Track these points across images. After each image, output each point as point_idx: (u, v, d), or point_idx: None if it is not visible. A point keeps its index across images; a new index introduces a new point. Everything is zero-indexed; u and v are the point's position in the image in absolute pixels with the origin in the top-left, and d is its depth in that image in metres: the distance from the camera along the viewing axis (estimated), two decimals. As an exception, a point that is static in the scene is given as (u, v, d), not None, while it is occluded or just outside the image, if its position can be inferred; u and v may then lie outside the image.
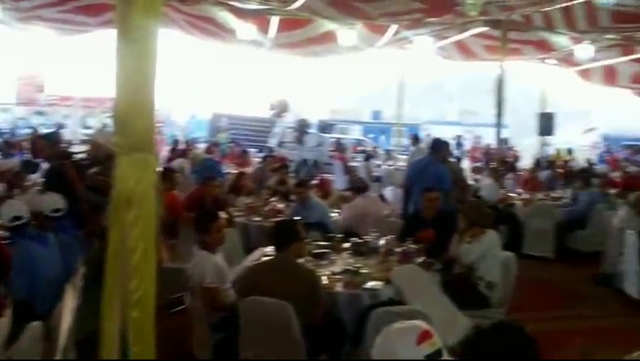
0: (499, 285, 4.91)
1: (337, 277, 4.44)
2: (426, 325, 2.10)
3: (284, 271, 3.92)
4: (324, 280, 4.32)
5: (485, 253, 4.95)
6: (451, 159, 9.06)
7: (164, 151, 15.05)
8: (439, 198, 5.79)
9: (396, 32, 12.20)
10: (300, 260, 4.22)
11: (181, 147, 15.71)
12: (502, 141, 18.16)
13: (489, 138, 19.10)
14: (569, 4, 10.49)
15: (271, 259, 4.26)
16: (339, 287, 4.32)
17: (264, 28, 11.24)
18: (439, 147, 7.67)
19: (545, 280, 7.55)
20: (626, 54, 14.00)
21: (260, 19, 11.03)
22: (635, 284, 6.40)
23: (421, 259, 4.82)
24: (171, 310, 5.05)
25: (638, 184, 10.45)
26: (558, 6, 10.72)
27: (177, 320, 4.88)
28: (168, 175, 6.92)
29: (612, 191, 10.12)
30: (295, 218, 6.10)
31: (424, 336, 2.02)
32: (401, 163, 13.86)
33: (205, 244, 4.31)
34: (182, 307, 4.81)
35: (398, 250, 4.97)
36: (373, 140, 24.13)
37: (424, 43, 12.44)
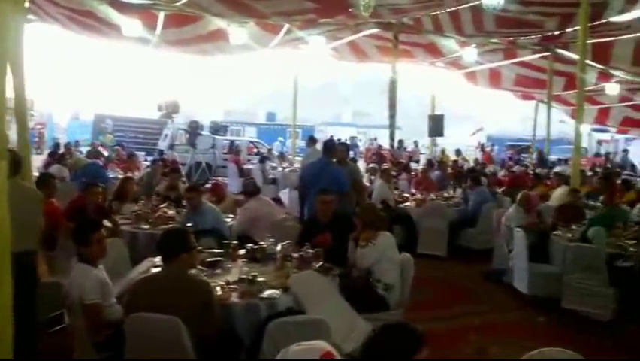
0: (396, 286, 4.84)
1: (232, 286, 4.14)
2: (327, 345, 1.89)
3: (173, 283, 3.57)
4: (218, 290, 4.01)
5: (380, 255, 4.87)
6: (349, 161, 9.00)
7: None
8: (334, 200, 5.62)
9: (289, 32, 12.04)
10: (191, 271, 3.87)
11: (62, 150, 14.62)
12: (400, 143, 18.66)
13: (384, 140, 19.52)
14: (457, 8, 10.87)
15: (159, 272, 3.89)
16: (234, 298, 4.02)
17: (150, 24, 10.63)
18: (331, 148, 7.54)
19: (440, 279, 7.68)
20: (508, 58, 14.82)
21: (146, 14, 10.41)
22: (523, 280, 6.63)
23: (318, 264, 4.63)
24: (51, 328, 4.62)
25: (524, 182, 11.04)
26: (446, 10, 11.08)
27: (58, 338, 4.52)
28: (45, 181, 6.38)
29: (499, 189, 10.60)
30: (186, 225, 5.75)
31: (326, 357, 1.82)
32: (297, 165, 13.74)
33: (85, 257, 3.87)
34: (62, 325, 4.43)
35: (295, 255, 4.75)
36: (269, 141, 23.95)
37: (317, 44, 12.37)
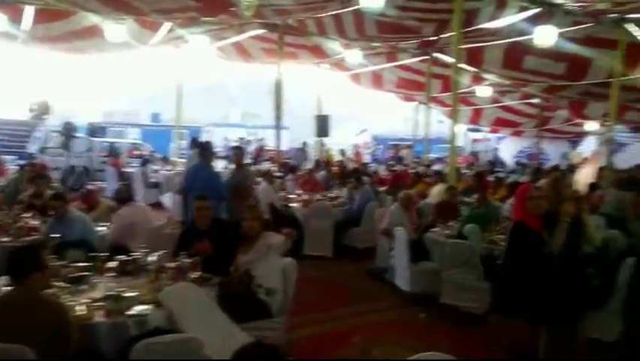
0: (279, 291, 4.69)
1: (97, 304, 3.79)
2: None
3: (22, 307, 3.19)
4: (82, 309, 3.66)
5: (262, 258, 4.70)
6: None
7: None
8: (210, 206, 5.36)
9: (172, 30, 11.58)
10: (45, 292, 3.48)
11: None
12: (304, 144, 18.57)
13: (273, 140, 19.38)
14: (340, 11, 10.98)
15: (6, 294, 3.46)
16: (99, 316, 3.68)
17: (16, 18, 9.77)
18: (208, 151, 7.26)
19: (325, 280, 7.68)
20: (390, 61, 15.26)
21: (11, 8, 9.56)
22: (405, 278, 6.76)
23: (196, 274, 4.38)
24: None
25: (405, 181, 11.36)
26: (330, 13, 11.16)
27: None
28: None
29: (382, 188, 10.82)
30: (51, 236, 5.27)
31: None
32: (180, 168, 13.24)
33: None
34: None
35: (171, 266, 4.45)
36: (155, 144, 22.96)
37: (200, 43, 11.99)
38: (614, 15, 10.23)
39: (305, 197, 9.82)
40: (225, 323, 3.91)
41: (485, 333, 5.60)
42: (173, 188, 10.70)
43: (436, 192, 9.41)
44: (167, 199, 10.87)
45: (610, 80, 11.86)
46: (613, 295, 5.40)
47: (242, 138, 23.46)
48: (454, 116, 9.82)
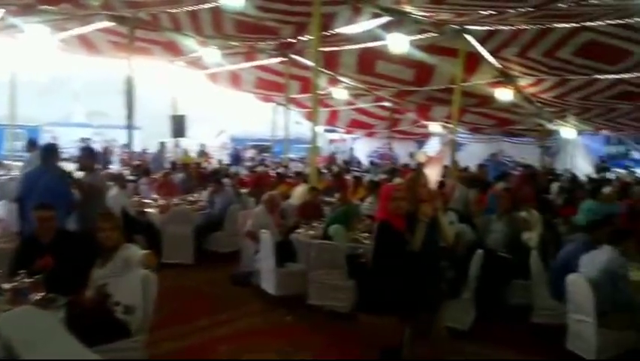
0: (138, 307, 4.28)
1: None
2: None
3: None
4: None
5: (118, 272, 4.25)
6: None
7: None
8: (54, 216, 4.77)
9: (3, 18, 10.40)
10: None
11: None
12: (162, 145, 17.55)
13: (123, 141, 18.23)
14: (196, 8, 10.58)
15: None
16: None
17: None
18: (50, 153, 6.50)
19: (187, 289, 7.29)
20: (249, 61, 15.09)
21: None
22: (271, 281, 6.64)
23: (39, 296, 3.84)
24: None
25: (267, 182, 11.25)
26: (185, 9, 10.71)
27: None
28: None
29: (244, 191, 10.60)
30: None
31: None
32: (16, 172, 11.85)
33: None
34: None
35: (7, 286, 3.86)
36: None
37: (38, 34, 10.86)
38: (455, 26, 10.98)
39: (162, 202, 9.30)
40: (76, 348, 3.46)
41: (353, 331, 5.66)
42: (7, 195, 9.51)
43: (299, 193, 9.41)
44: (1, 208, 9.66)
45: (452, 85, 12.75)
46: (465, 286, 5.73)
47: (86, 139, 21.55)
48: (314, 117, 9.88)
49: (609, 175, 17.01)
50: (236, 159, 21.33)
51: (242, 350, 5.36)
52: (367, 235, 6.84)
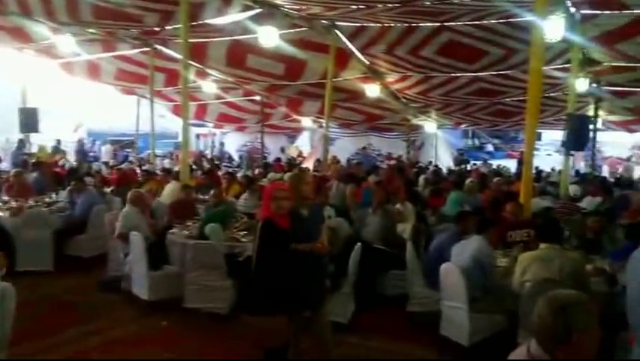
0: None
1: None
2: None
3: None
4: None
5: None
6: None
7: None
8: None
9: None
10: None
11: None
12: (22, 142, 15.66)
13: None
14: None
15: None
16: None
17: None
18: None
19: (48, 298, 6.67)
20: (108, 50, 14.13)
21: None
22: (143, 285, 6.25)
23: None
24: None
25: (133, 180, 10.62)
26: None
27: None
28: None
29: (108, 189, 9.93)
30: None
31: None
32: None
33: None
34: None
35: None
36: None
37: None
38: (325, 21, 11.11)
39: (14, 204, 8.39)
40: None
41: (235, 333, 5.49)
42: None
43: (169, 191, 8.98)
44: None
45: (323, 80, 12.94)
46: (345, 279, 5.79)
47: None
48: (183, 111, 9.48)
49: (467, 167, 18.32)
50: (83, 154, 19.98)
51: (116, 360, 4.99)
52: (245, 232, 6.69)
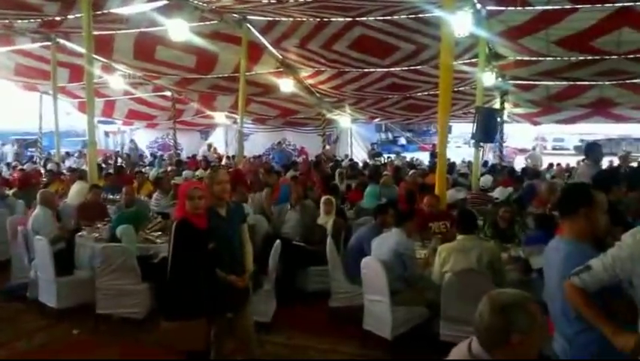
0: None
1: None
2: None
3: None
4: None
5: None
6: None
7: None
8: None
9: None
10: None
11: None
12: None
13: None
14: None
15: None
16: None
17: None
18: None
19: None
20: (5, 45, 13.19)
21: None
22: (51, 292, 5.85)
23: None
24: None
25: (37, 181, 9.96)
26: None
27: None
28: None
29: (10, 191, 9.24)
30: None
31: None
32: None
33: None
34: None
35: None
36: None
37: None
38: (236, 15, 10.91)
39: None
40: None
41: (153, 338, 5.25)
42: None
43: (76, 191, 8.42)
44: None
45: (236, 74, 12.72)
46: (266, 278, 5.69)
47: None
48: (89, 109, 8.98)
49: (382, 160, 18.67)
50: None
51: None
52: (160, 233, 6.43)
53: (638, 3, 8.62)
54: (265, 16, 10.81)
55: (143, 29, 11.45)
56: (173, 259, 4.05)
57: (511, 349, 1.95)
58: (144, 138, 22.10)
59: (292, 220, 7.28)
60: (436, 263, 4.90)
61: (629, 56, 10.80)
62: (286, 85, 13.79)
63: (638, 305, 2.58)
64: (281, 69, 13.49)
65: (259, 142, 20.20)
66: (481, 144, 10.38)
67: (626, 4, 8.64)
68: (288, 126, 19.78)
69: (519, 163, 17.36)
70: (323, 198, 7.34)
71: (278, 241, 5.98)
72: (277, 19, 10.83)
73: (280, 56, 12.95)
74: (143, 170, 12.62)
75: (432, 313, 4.95)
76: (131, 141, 21.14)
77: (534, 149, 22.88)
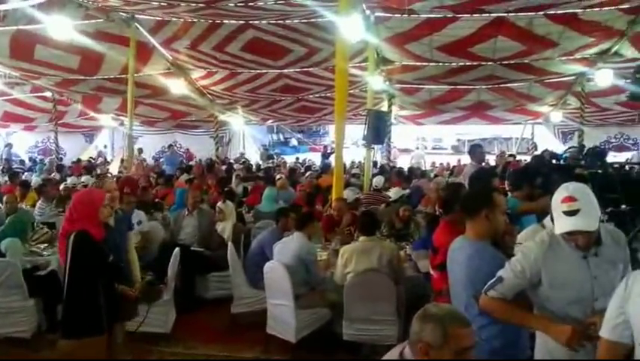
0: None
1: None
2: None
3: None
4: None
5: None
6: None
7: None
8: None
9: None
10: None
11: None
12: None
13: None
14: None
15: None
16: None
17: None
18: None
19: None
20: None
21: None
22: None
23: None
24: None
25: None
26: None
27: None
28: None
29: None
30: None
31: None
32: None
33: None
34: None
35: None
36: None
37: None
38: (124, 14, 10.49)
39: None
40: None
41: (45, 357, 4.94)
42: None
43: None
44: None
45: (123, 75, 12.22)
46: (165, 287, 5.53)
47: None
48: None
49: (274, 162, 18.71)
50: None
51: None
52: (46, 245, 6.05)
53: (510, 14, 9.39)
54: (154, 16, 10.48)
55: (20, 27, 10.65)
56: (72, 273, 3.84)
57: (421, 356, 2.08)
58: (23, 142, 20.50)
59: (190, 226, 7.12)
60: (338, 264, 5.03)
61: (503, 62, 11.72)
62: (177, 86, 13.45)
63: (534, 302, 2.78)
64: (171, 70, 13.13)
65: (149, 145, 19.48)
66: (372, 145, 10.75)
67: (500, 14, 9.38)
68: (180, 129, 19.23)
69: (402, 163, 18.14)
70: (217, 207, 7.26)
71: (177, 249, 5.85)
72: (167, 19, 10.54)
73: (170, 57, 12.60)
74: (25, 179, 11.66)
75: (335, 314, 5.08)
76: (8, 145, 19.50)
77: (417, 148, 24.02)
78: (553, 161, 5.73)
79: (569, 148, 7.63)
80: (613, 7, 9.09)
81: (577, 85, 13.99)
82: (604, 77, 11.45)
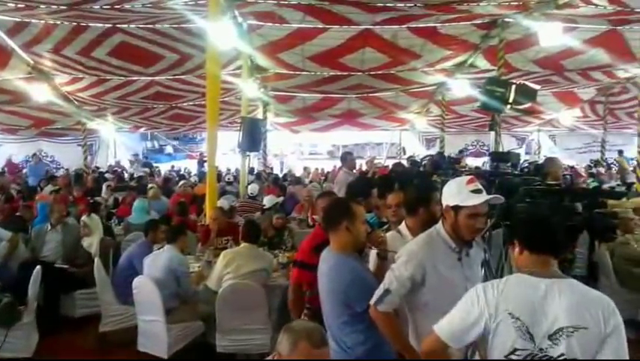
0: None
1: None
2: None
3: None
4: None
5: None
6: None
7: None
8: None
9: None
10: None
11: None
12: None
13: None
14: None
15: None
16: None
17: None
18: None
19: None
20: None
21: None
22: None
23: None
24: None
25: None
26: None
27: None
28: None
29: None
30: None
31: None
32: None
33: None
34: None
35: None
36: None
37: None
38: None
39: None
40: None
41: None
42: None
43: None
44: None
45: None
46: (25, 308, 5.23)
47: None
48: None
49: (149, 170, 18.08)
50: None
51: None
52: None
53: (377, 27, 9.90)
54: (12, 17, 9.76)
55: None
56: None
57: None
58: None
59: (53, 242, 6.71)
60: (217, 266, 5.03)
61: (370, 73, 12.32)
62: (39, 92, 12.59)
63: (409, 310, 2.92)
64: (33, 75, 12.27)
65: (11, 154, 18.02)
66: (248, 152, 10.81)
67: (368, 27, 9.85)
68: (44, 137, 17.94)
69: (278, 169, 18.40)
70: (82, 220, 6.94)
71: (38, 267, 5.51)
72: (27, 20, 9.85)
73: (32, 61, 11.78)
74: None
75: (207, 327, 5.06)
76: None
77: (293, 154, 24.39)
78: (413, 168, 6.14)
79: (426, 156, 8.21)
80: (468, 23, 9.93)
81: (438, 94, 15.07)
82: (460, 87, 12.51)
